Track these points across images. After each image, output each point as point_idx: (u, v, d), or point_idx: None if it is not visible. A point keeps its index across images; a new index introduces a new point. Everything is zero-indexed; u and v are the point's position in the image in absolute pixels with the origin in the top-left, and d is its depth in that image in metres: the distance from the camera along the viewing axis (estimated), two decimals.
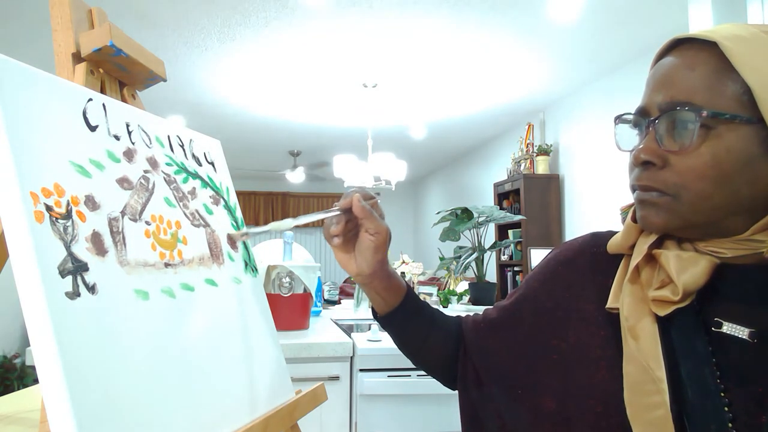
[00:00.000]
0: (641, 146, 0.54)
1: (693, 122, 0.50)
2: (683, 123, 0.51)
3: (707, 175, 0.50)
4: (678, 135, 0.51)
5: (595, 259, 0.64)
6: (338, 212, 0.63)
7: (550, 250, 0.72)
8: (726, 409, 0.49)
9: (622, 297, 0.56)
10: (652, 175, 0.53)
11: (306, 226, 8.48)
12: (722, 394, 0.49)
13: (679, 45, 0.55)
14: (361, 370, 1.61)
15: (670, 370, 0.51)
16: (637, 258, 0.56)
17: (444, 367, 0.75)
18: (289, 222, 0.65)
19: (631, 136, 0.57)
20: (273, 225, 0.64)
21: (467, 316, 0.77)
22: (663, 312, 0.52)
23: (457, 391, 0.73)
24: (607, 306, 0.58)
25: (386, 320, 0.72)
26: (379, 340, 1.66)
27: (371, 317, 2.46)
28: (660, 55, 0.57)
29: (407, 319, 0.72)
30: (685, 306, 0.52)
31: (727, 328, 0.52)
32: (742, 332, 0.51)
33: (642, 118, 0.55)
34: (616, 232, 0.63)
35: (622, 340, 0.55)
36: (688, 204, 0.51)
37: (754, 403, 0.49)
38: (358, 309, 2.48)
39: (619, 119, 0.58)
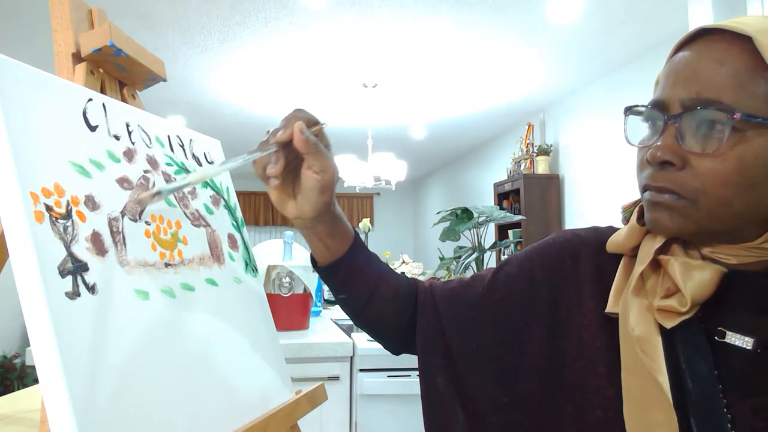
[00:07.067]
0: (659, 143, 0.49)
1: (723, 123, 0.46)
2: (710, 123, 0.46)
3: (732, 181, 0.46)
4: (703, 135, 0.47)
5: (597, 255, 0.60)
6: (276, 149, 0.52)
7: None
8: (729, 425, 0.47)
9: (623, 303, 0.53)
10: (669, 176, 0.49)
11: None
12: (725, 410, 0.47)
13: (704, 35, 0.50)
14: (361, 370, 1.61)
15: (672, 383, 0.48)
16: (642, 264, 0.53)
17: (391, 331, 0.68)
18: (216, 168, 0.55)
19: (641, 131, 0.53)
20: (196, 175, 0.53)
21: (430, 282, 0.69)
22: (670, 324, 0.49)
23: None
24: (606, 310, 0.55)
25: (328, 272, 0.62)
26: None
27: None
28: (681, 45, 0.52)
29: (352, 272, 0.62)
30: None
31: (731, 337, 0.49)
32: (746, 342, 0.49)
33: (659, 112, 0.50)
34: (618, 229, 0.60)
35: (621, 348, 0.52)
36: (706, 210, 0.47)
37: (759, 417, 0.47)
38: None
39: (630, 111, 0.54)
